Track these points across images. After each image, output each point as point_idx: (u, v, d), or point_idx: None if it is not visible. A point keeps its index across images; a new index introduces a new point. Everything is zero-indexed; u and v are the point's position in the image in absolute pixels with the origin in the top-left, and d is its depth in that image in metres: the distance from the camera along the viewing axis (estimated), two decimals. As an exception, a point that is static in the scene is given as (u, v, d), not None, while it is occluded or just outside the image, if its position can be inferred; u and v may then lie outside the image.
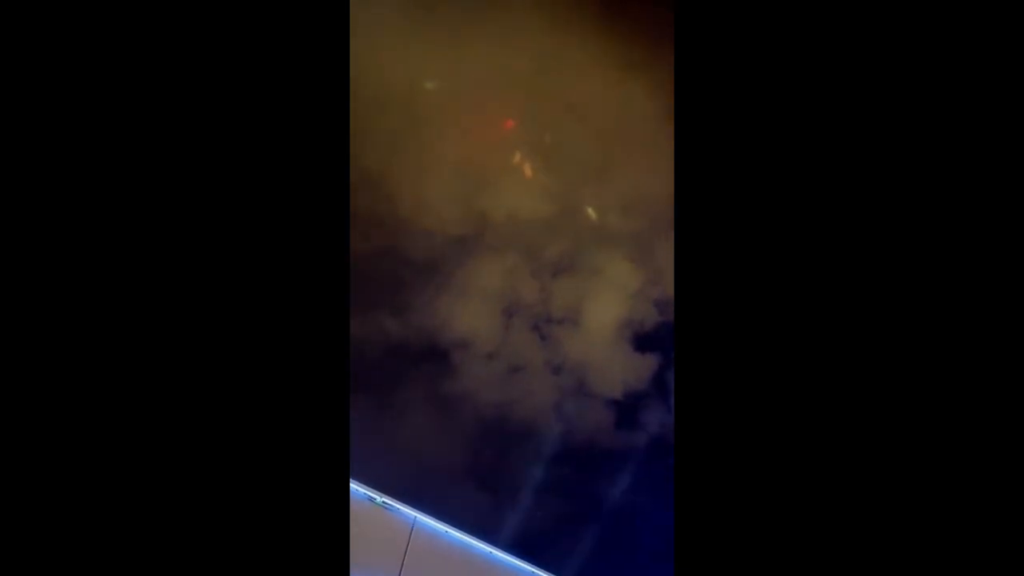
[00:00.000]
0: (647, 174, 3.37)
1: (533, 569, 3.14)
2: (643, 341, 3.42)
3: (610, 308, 3.41)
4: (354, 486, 3.15)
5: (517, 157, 3.45)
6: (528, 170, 3.46)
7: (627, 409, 3.42)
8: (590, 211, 3.50)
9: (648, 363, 3.41)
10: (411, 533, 3.12)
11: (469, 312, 3.35)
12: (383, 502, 3.15)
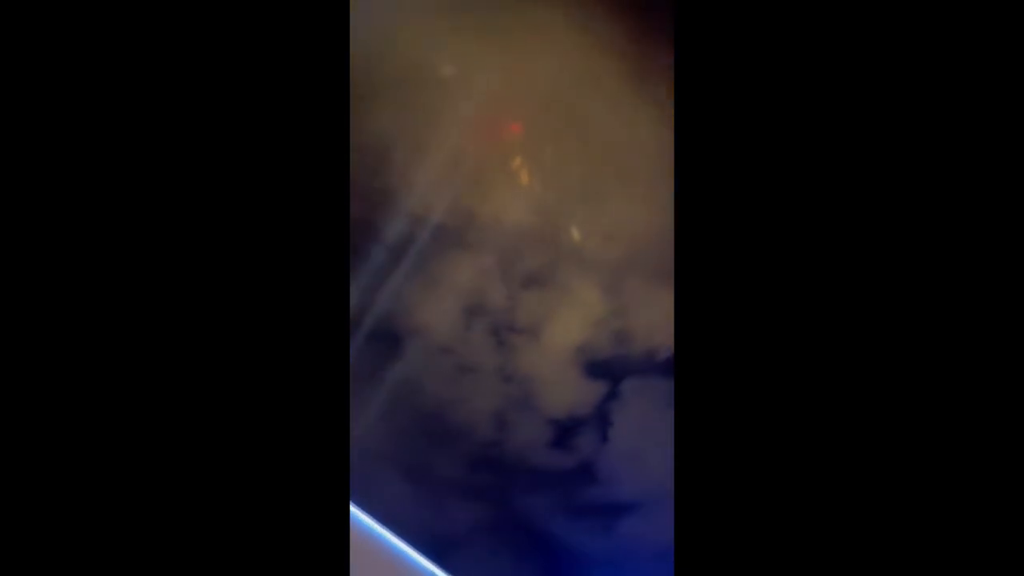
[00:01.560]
0: (636, 207, 3.40)
1: (436, 571, 3.12)
2: (595, 369, 3.45)
3: (571, 330, 3.43)
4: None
5: (516, 162, 3.44)
6: (524, 177, 3.46)
7: (565, 431, 3.44)
8: (574, 231, 3.51)
9: (595, 390, 3.44)
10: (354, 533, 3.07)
11: (432, 303, 3.33)
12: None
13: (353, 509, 3.11)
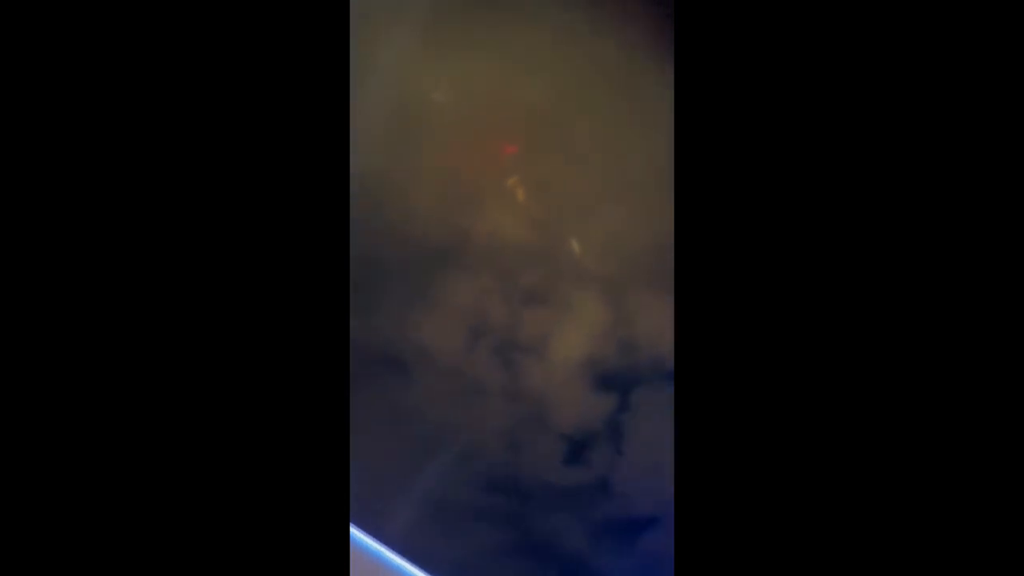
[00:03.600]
0: (633, 219, 3.42)
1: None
2: (603, 381, 3.44)
3: (576, 344, 3.42)
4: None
5: (512, 181, 3.47)
6: (520, 196, 3.48)
7: (577, 446, 3.41)
8: (573, 245, 3.53)
9: (605, 403, 3.42)
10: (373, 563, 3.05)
11: (435, 326, 3.33)
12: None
13: (367, 540, 3.08)
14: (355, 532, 2.97)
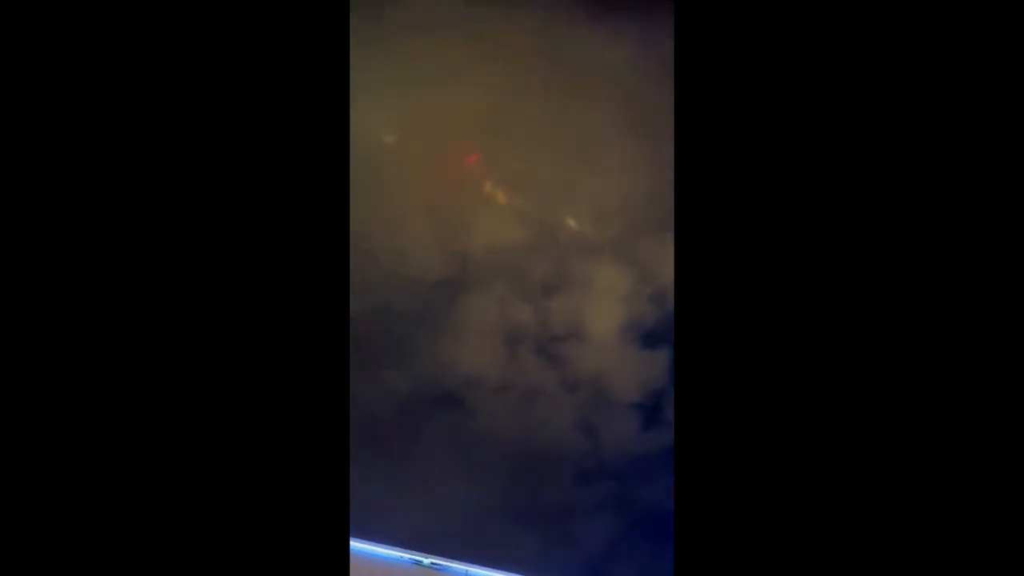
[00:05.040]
0: (614, 180, 3.41)
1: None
2: (649, 338, 3.40)
3: (609, 314, 3.40)
4: (398, 552, 3.07)
5: (488, 187, 3.47)
6: (501, 198, 3.49)
7: (649, 410, 3.38)
8: (570, 222, 3.52)
9: (659, 359, 3.38)
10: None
11: (470, 351, 3.33)
12: (431, 563, 3.07)
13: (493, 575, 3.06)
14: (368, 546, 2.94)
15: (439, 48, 3.36)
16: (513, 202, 3.47)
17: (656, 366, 3.35)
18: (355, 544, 2.94)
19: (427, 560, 3.01)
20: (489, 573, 3.06)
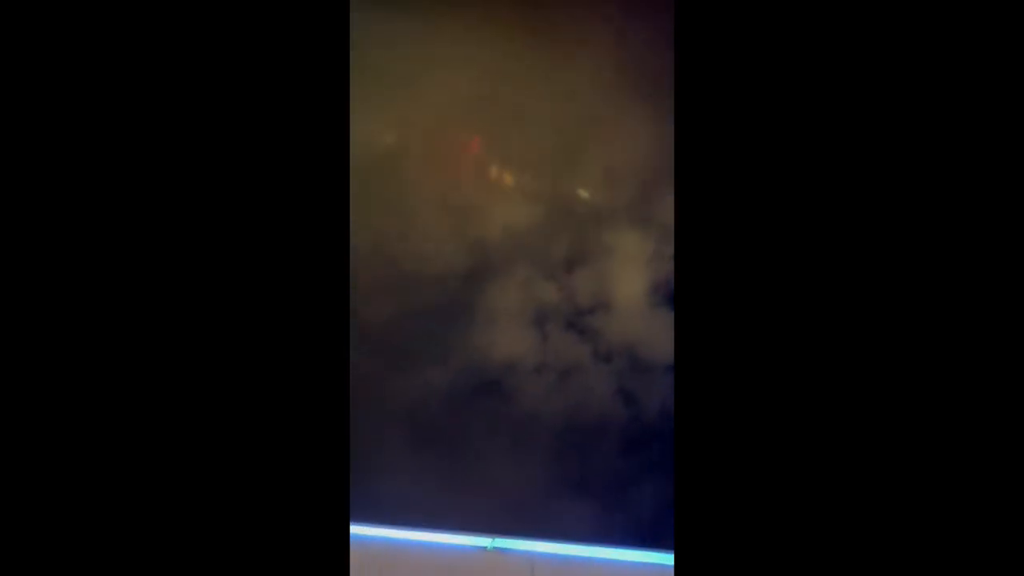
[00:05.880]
0: (619, 145, 3.37)
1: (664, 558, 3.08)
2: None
3: (634, 280, 3.39)
4: (461, 539, 3.15)
5: (494, 172, 3.47)
6: (508, 180, 3.48)
7: (688, 368, 3.37)
8: (580, 193, 3.50)
9: (690, 317, 3.36)
10: (532, 568, 3.10)
11: (502, 336, 3.36)
12: (495, 547, 3.14)
13: (559, 549, 3.13)
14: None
15: (424, 40, 3.34)
16: (522, 182, 3.47)
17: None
18: (419, 535, 3.03)
19: (490, 543, 3.09)
20: (552, 546, 3.13)
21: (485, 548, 3.09)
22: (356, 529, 2.94)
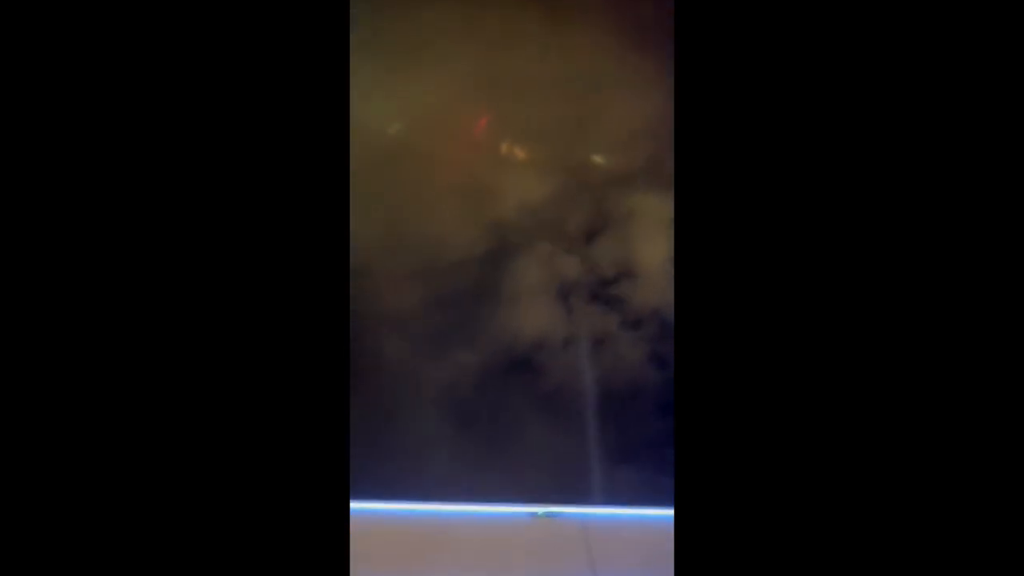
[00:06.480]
0: (628, 106, 3.28)
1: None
2: (702, 258, 3.32)
3: (656, 243, 3.35)
4: (512, 508, 3.24)
5: (504, 148, 3.42)
6: (520, 153, 3.44)
7: (718, 327, 3.34)
8: (596, 159, 3.43)
9: (717, 276, 3.31)
10: (584, 530, 3.19)
11: (528, 315, 3.38)
12: (545, 513, 3.24)
13: (607, 511, 3.21)
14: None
15: (419, 17, 3.27)
16: (533, 156, 3.41)
17: (714, 284, 3.29)
18: (472, 507, 3.15)
19: (541, 510, 3.19)
20: (601, 510, 3.22)
21: (535, 515, 3.19)
22: (403, 506, 3.08)
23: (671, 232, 3.34)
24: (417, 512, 3.11)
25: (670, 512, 3.12)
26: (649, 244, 3.34)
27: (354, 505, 3.05)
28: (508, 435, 3.32)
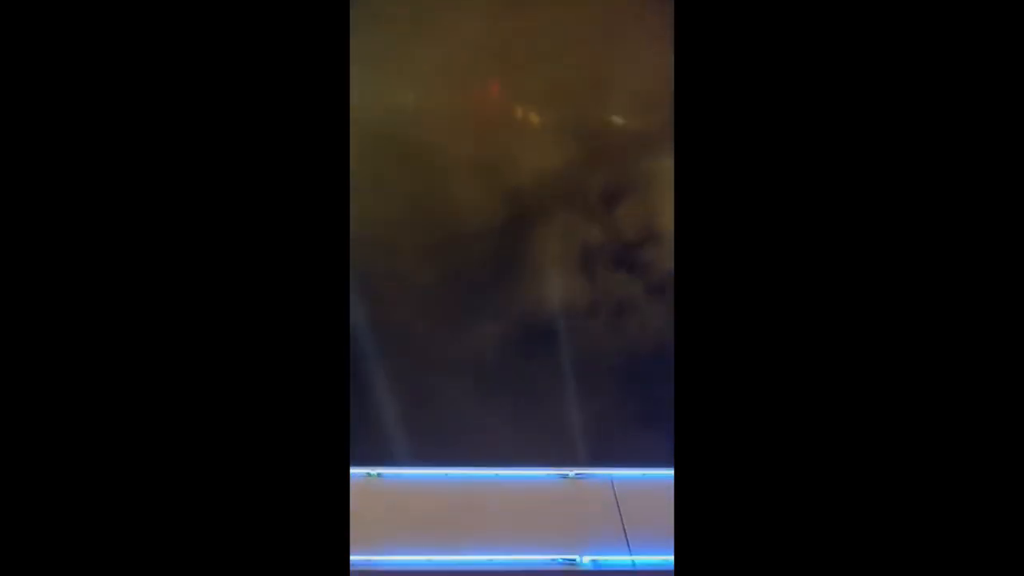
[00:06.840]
0: (644, 64, 3.17)
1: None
2: (726, 218, 3.26)
3: (677, 205, 3.28)
4: (543, 471, 3.30)
5: (519, 112, 3.36)
6: (534, 119, 3.37)
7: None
8: (615, 120, 3.36)
9: (742, 236, 3.25)
10: (614, 488, 3.23)
11: (550, 284, 3.37)
12: (576, 474, 3.29)
13: (637, 472, 3.25)
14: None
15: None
16: (549, 120, 3.35)
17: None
18: (506, 471, 3.23)
19: (572, 472, 3.24)
20: (630, 471, 3.26)
21: (566, 476, 3.25)
22: (439, 471, 3.17)
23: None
24: (453, 476, 3.20)
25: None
26: (669, 205, 3.28)
27: (386, 471, 3.20)
28: (537, 402, 3.36)
